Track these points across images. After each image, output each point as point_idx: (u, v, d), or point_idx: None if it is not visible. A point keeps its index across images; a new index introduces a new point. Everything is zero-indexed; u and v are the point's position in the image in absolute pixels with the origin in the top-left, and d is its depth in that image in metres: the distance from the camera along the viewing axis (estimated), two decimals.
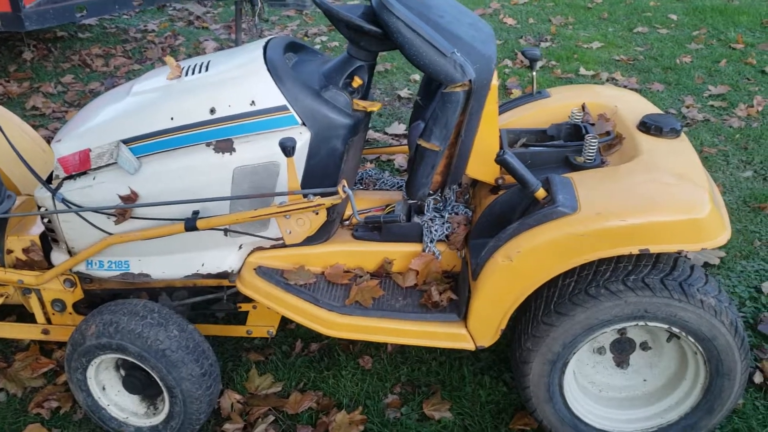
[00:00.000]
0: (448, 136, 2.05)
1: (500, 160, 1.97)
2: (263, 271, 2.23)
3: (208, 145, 2.10)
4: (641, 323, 1.94)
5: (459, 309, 2.11)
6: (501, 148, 2.17)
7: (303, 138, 2.09)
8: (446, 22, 2.02)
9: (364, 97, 2.24)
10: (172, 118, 2.09)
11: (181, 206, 2.12)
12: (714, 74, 5.01)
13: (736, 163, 3.85)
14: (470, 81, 1.97)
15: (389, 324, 2.13)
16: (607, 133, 2.33)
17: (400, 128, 4.30)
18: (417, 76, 5.03)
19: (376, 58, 2.21)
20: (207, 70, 2.17)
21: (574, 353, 2.01)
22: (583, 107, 2.47)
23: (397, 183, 2.58)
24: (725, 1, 6.48)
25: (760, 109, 4.44)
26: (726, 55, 5.31)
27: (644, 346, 2.13)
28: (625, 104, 2.46)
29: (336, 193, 1.95)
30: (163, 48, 5.49)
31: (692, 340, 1.94)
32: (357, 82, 2.16)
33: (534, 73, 2.58)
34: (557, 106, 2.54)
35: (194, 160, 2.10)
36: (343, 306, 2.16)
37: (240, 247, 2.25)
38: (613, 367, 2.19)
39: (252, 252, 2.28)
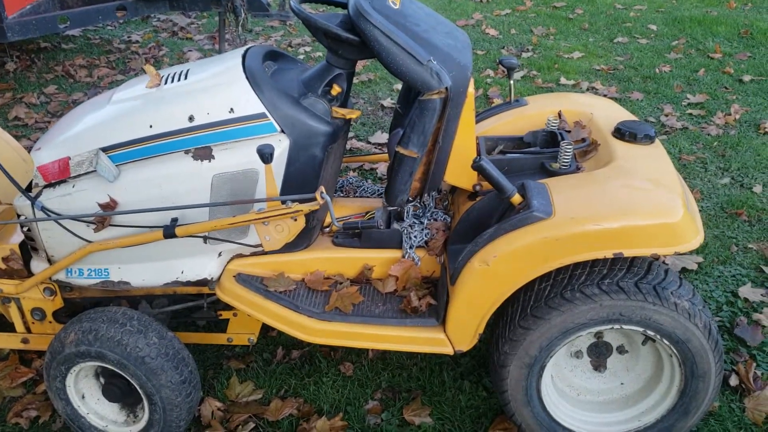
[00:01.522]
0: (426, 143, 2.07)
1: (476, 167, 1.99)
2: (243, 279, 2.23)
3: (186, 152, 2.11)
4: (617, 326, 1.97)
5: (438, 314, 2.13)
6: (478, 155, 2.20)
7: (282, 145, 2.10)
8: (422, 31, 2.05)
9: (344, 105, 2.26)
10: (150, 126, 2.10)
11: (160, 214, 2.13)
12: (692, 83, 5.09)
13: (713, 170, 3.90)
14: (446, 88, 2.00)
15: (369, 330, 2.14)
16: (583, 140, 2.36)
17: (383, 137, 4.33)
18: (400, 86, 5.06)
19: (355, 66, 2.24)
20: (186, 78, 2.19)
21: (551, 356, 2.03)
22: (560, 115, 2.51)
23: (378, 191, 2.60)
24: (704, 12, 6.58)
25: (737, 117, 4.50)
26: (704, 65, 5.39)
27: (621, 350, 2.16)
28: (601, 111, 2.50)
29: (314, 199, 1.97)
30: (146, 59, 5.49)
31: (667, 342, 1.97)
32: (336, 89, 2.19)
33: (511, 82, 2.62)
34: (534, 113, 2.58)
35: (173, 167, 2.11)
36: (323, 312, 2.17)
37: (219, 255, 2.26)
38: (591, 371, 2.21)
39: (231, 259, 2.29)
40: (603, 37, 6.12)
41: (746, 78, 5.09)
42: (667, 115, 4.56)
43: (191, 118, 2.09)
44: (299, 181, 2.16)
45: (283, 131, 2.11)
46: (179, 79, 2.19)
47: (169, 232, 2.07)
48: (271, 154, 1.92)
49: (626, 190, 1.99)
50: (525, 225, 1.93)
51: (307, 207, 1.97)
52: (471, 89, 2.10)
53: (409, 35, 2.00)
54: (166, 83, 2.20)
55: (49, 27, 4.64)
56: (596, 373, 2.21)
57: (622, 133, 2.26)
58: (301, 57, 5.66)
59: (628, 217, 1.90)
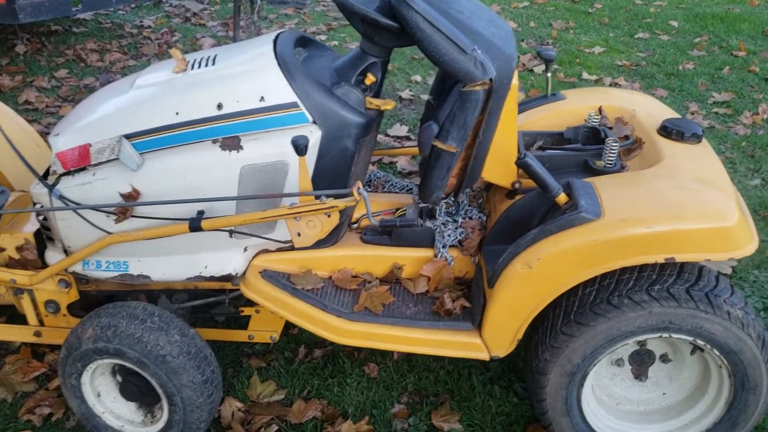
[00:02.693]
0: (466, 137, 1.97)
1: (522, 163, 1.89)
2: (269, 275, 2.13)
3: (214, 142, 2.01)
4: (665, 335, 1.87)
5: (473, 317, 2.03)
6: (519, 150, 2.10)
7: (313, 137, 2.00)
8: (466, 18, 1.94)
9: (377, 95, 2.15)
10: (177, 113, 2.00)
11: (185, 205, 2.02)
12: (717, 81, 4.97)
13: (743, 171, 3.79)
14: (491, 79, 1.89)
15: (400, 332, 2.04)
16: (626, 137, 2.26)
17: (402, 130, 4.22)
18: (418, 77, 4.95)
19: (390, 54, 2.13)
20: (214, 63, 2.08)
21: (594, 365, 1.93)
22: (600, 110, 2.40)
23: (407, 186, 2.49)
24: (726, 9, 6.45)
25: (765, 116, 4.39)
26: (728, 63, 5.27)
27: (664, 359, 2.06)
28: (643, 108, 2.40)
29: (350, 194, 1.87)
30: (159, 44, 5.38)
31: (717, 353, 1.87)
32: (370, 79, 2.08)
33: (549, 75, 2.51)
34: (573, 108, 2.47)
35: (200, 157, 2.01)
36: (352, 312, 2.07)
37: (245, 250, 2.15)
38: (632, 380, 2.11)
39: (257, 254, 2.19)
40: (623, 33, 5.99)
41: None
42: (692, 114, 4.45)
43: (220, 106, 1.99)
44: (330, 174, 2.05)
45: (315, 122, 2.00)
46: (207, 65, 2.09)
47: (196, 225, 1.97)
48: (306, 146, 1.82)
49: (678, 191, 1.89)
50: (572, 226, 1.83)
51: (343, 203, 1.87)
52: (515, 81, 1.99)
53: (452, 22, 1.89)
54: (192, 68, 2.09)
55: (62, 9, 4.53)
56: (637, 381, 2.11)
57: (668, 131, 2.16)
58: None
59: (681, 220, 1.80)
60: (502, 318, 1.95)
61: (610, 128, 2.33)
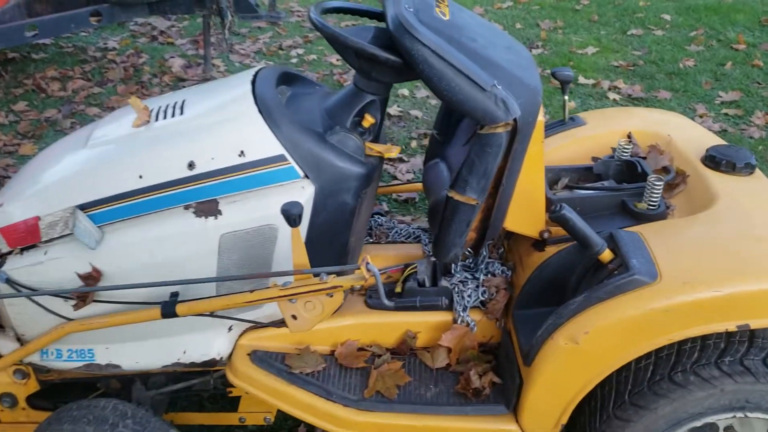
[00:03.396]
0: (487, 187, 1.66)
1: (557, 217, 1.58)
2: (260, 357, 1.81)
3: (186, 208, 1.68)
4: (740, 415, 1.57)
5: (507, 398, 1.72)
6: (551, 202, 1.79)
7: (306, 193, 1.68)
8: (480, 47, 1.62)
9: (377, 138, 1.84)
10: (140, 176, 1.67)
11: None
12: (721, 78, 4.71)
13: None
14: (515, 119, 1.58)
15: (420, 421, 1.72)
16: (665, 170, 1.96)
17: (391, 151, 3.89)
18: (405, 91, 4.63)
19: (390, 90, 1.81)
20: (182, 113, 1.75)
21: None
22: (630, 137, 2.10)
23: (414, 233, 2.17)
24: None
25: None
26: (730, 57, 5.02)
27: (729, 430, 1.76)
28: (679, 132, 2.10)
29: (358, 269, 1.54)
30: (125, 68, 5.01)
31: None
32: (368, 120, 1.76)
33: (566, 97, 2.20)
34: (596, 135, 2.17)
35: (170, 227, 1.68)
36: (362, 399, 1.75)
37: (230, 329, 1.83)
38: None
39: (244, 332, 1.86)
40: (615, 30, 5.72)
41: None
42: (701, 116, 4.17)
43: (191, 165, 1.66)
44: (327, 234, 1.74)
45: (306, 176, 1.69)
46: (173, 114, 1.76)
47: (169, 310, 1.64)
48: (300, 216, 1.49)
49: (746, 241, 1.59)
50: (624, 292, 1.52)
51: (348, 282, 1.55)
52: (541, 117, 1.68)
53: (465, 53, 1.57)
54: (156, 120, 1.76)
55: (16, 37, 4.15)
56: None
57: (716, 161, 1.86)
58: (294, 61, 5.21)
59: (755, 279, 1.50)
60: (543, 401, 1.64)
61: (644, 158, 2.02)
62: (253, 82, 1.77)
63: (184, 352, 1.82)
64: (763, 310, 1.50)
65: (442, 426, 1.71)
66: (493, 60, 1.61)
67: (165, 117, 1.75)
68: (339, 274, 1.57)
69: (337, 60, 5.16)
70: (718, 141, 2.05)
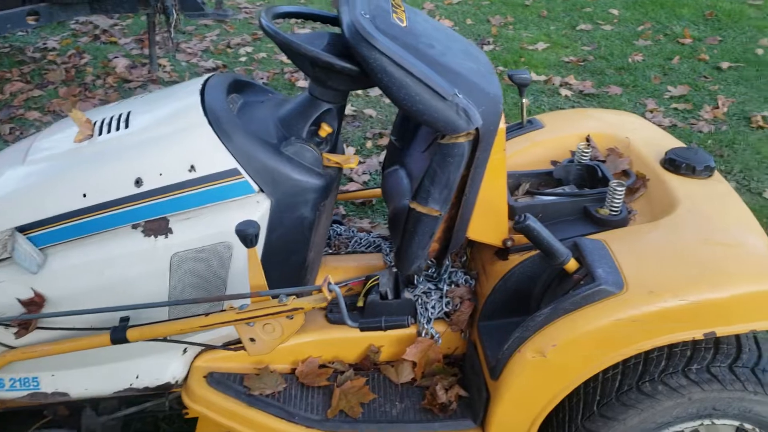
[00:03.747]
0: (450, 197, 1.61)
1: (522, 228, 1.54)
2: (217, 380, 1.73)
3: (135, 227, 1.59)
4: (707, 422, 1.56)
5: (474, 412, 1.68)
6: (513, 209, 1.75)
7: (261, 208, 1.61)
8: (438, 54, 1.57)
9: (334, 148, 1.77)
10: (84, 195, 1.57)
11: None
12: (669, 73, 4.77)
13: None
14: (476, 129, 1.53)
15: None
16: (625, 173, 1.94)
17: (348, 151, 3.83)
18: (359, 90, 4.56)
19: (347, 97, 1.75)
20: (127, 126, 1.66)
21: None
22: (588, 140, 2.08)
23: (374, 243, 2.11)
24: None
25: (725, 110, 4.20)
26: (677, 52, 5.09)
27: None
28: (636, 134, 2.09)
29: (318, 291, 1.48)
30: (66, 69, 4.81)
31: None
32: (325, 130, 1.70)
33: (524, 100, 2.16)
34: (555, 138, 2.15)
35: (118, 248, 1.59)
36: (325, 420, 1.69)
37: (184, 351, 1.74)
38: None
39: (199, 353, 1.78)
40: (564, 25, 5.74)
41: (724, 65, 4.81)
42: (651, 111, 4.21)
43: (138, 182, 1.57)
44: (284, 251, 1.67)
45: (261, 190, 1.61)
46: (118, 127, 1.66)
47: (119, 336, 1.55)
48: (256, 236, 1.42)
49: (708, 247, 1.58)
50: (591, 303, 1.50)
51: (309, 304, 1.48)
52: (502, 124, 1.64)
53: (424, 61, 1.52)
54: (100, 134, 1.66)
55: None
56: None
57: (676, 165, 1.85)
58: (243, 59, 5.08)
59: (721, 286, 1.49)
60: (511, 415, 1.60)
61: (603, 161, 2.01)
62: (202, 92, 1.69)
63: (137, 377, 1.73)
64: (728, 317, 1.49)
65: None
66: (452, 67, 1.56)
67: (109, 131, 1.65)
68: (299, 295, 1.50)
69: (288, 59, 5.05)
70: (675, 142, 2.05)
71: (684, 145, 1.97)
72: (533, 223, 1.54)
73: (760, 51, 5.04)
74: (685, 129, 4.01)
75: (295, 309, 1.47)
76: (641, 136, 2.07)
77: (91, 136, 1.65)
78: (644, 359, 1.57)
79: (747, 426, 1.57)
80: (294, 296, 1.48)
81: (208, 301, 1.51)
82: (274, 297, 1.48)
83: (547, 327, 1.53)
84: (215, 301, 1.52)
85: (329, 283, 1.46)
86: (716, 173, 1.87)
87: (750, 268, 1.53)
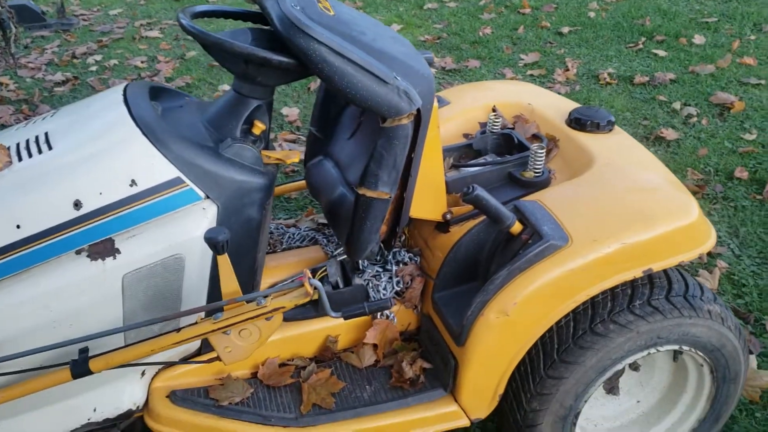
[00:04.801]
0: (398, 179, 1.65)
1: (472, 198, 1.61)
2: (181, 397, 1.67)
3: (78, 252, 1.49)
4: (653, 351, 1.72)
5: (443, 381, 1.74)
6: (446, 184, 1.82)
7: (208, 214, 1.57)
8: (371, 40, 1.60)
9: (267, 146, 1.75)
10: (18, 227, 1.45)
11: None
12: (518, 42, 5.06)
13: None
14: (417, 109, 1.58)
15: (366, 423, 1.69)
16: (536, 137, 2.07)
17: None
18: (227, 86, 4.45)
19: (274, 92, 1.73)
20: (50, 147, 1.54)
21: (587, 400, 1.74)
22: (495, 110, 2.19)
23: (309, 236, 2.11)
24: None
25: (575, 71, 4.53)
26: (521, 21, 5.41)
27: (633, 366, 1.92)
28: (536, 99, 2.23)
29: (300, 286, 1.47)
30: None
31: (701, 353, 1.76)
32: (259, 127, 1.67)
33: None
34: (462, 111, 2.24)
35: (64, 277, 1.48)
36: (301, 416, 1.69)
37: (142, 374, 1.67)
38: (605, 396, 1.96)
39: (157, 374, 1.71)
40: (412, 5, 5.92)
41: (564, 30, 5.17)
42: (511, 80, 4.46)
43: (77, 205, 1.47)
44: (234, 254, 1.63)
45: (207, 196, 1.57)
46: (40, 150, 1.54)
47: (81, 369, 1.45)
48: (227, 242, 1.38)
49: (634, 194, 1.73)
50: (542, 258, 1.60)
51: (291, 302, 1.46)
52: (435, 102, 1.70)
53: (360, 48, 1.54)
54: (20, 159, 1.53)
55: None
56: (610, 396, 1.97)
57: (582, 123, 2.00)
58: (93, 69, 4.79)
59: (651, 226, 1.64)
60: (481, 376, 1.68)
61: (512, 128, 2.13)
62: (126, 101, 1.60)
63: (95, 410, 1.63)
64: (660, 254, 1.65)
65: (388, 423, 1.70)
66: (387, 52, 1.59)
67: (30, 155, 1.53)
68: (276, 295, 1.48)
69: (142, 63, 4.84)
70: (572, 104, 2.21)
71: (583, 105, 2.12)
72: (481, 192, 1.61)
73: (592, 14, 5.46)
74: None
75: (276, 309, 1.45)
76: (540, 102, 2.21)
77: (10, 162, 1.52)
78: (591, 303, 1.70)
79: (684, 347, 1.74)
80: (271, 297, 1.46)
81: (182, 315, 1.45)
82: (249, 302, 1.45)
83: (505, 287, 1.62)
84: (189, 315, 1.46)
85: (309, 278, 1.46)
86: (616, 127, 2.04)
87: (670, 207, 1.69)
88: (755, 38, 4.85)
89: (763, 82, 4.20)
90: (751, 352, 2.30)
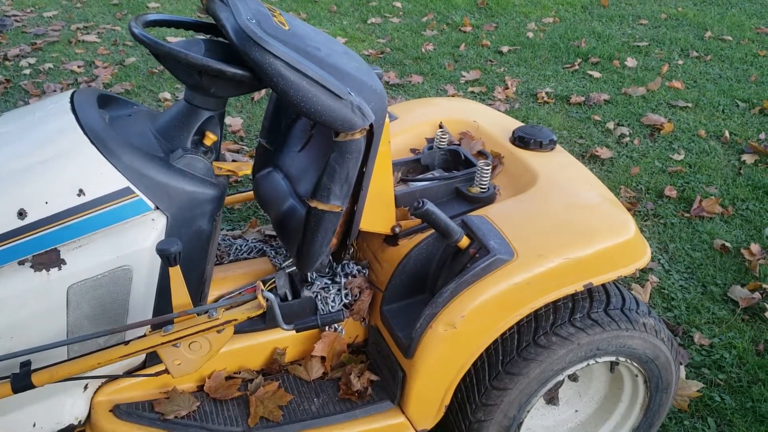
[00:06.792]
0: (349, 192, 1.67)
1: (422, 213, 1.65)
2: (125, 411, 1.64)
3: (22, 263, 1.46)
4: (591, 362, 1.79)
5: (390, 393, 1.77)
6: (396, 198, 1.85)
7: (158, 226, 1.56)
8: (326, 56, 1.62)
9: (218, 157, 1.74)
10: None
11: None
12: (459, 59, 5.16)
13: None
14: (370, 124, 1.60)
15: None
16: (481, 154, 2.13)
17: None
18: (167, 94, 4.39)
19: (226, 103, 1.73)
20: None
21: (529, 410, 1.79)
22: (441, 126, 2.24)
23: (256, 248, 2.10)
24: None
25: (514, 89, 4.65)
26: (462, 39, 5.52)
27: (572, 377, 1.99)
28: (482, 117, 2.29)
29: (253, 299, 1.47)
30: None
31: (636, 364, 1.84)
32: (210, 138, 1.67)
33: None
34: (409, 127, 2.29)
35: (6, 288, 1.44)
36: (248, 429, 1.68)
37: (85, 388, 1.63)
38: (545, 406, 2.02)
39: (99, 387, 1.67)
40: (356, 19, 5.97)
41: (504, 49, 5.30)
42: (453, 96, 4.55)
43: (22, 214, 1.44)
44: (183, 266, 1.62)
45: (157, 207, 1.55)
46: None
47: (23, 383, 1.41)
48: (179, 253, 1.37)
49: (575, 211, 1.80)
50: (489, 272, 1.65)
51: (244, 314, 1.46)
52: (387, 118, 1.73)
53: (315, 63, 1.56)
54: None
55: None
56: (550, 407, 2.03)
57: (525, 141, 2.07)
58: (27, 72, 4.65)
59: (592, 242, 1.72)
60: (428, 388, 1.71)
61: (458, 144, 2.18)
62: (73, 108, 1.57)
63: (34, 425, 1.59)
64: (600, 268, 1.72)
65: None
66: (340, 67, 1.61)
67: None
68: (229, 307, 1.48)
69: (79, 67, 4.72)
70: (515, 122, 2.28)
71: (527, 124, 2.19)
72: (431, 207, 1.65)
73: (530, 34, 5.63)
74: None
75: (228, 321, 1.44)
76: (486, 119, 2.28)
77: None
78: (535, 316, 1.75)
79: (621, 359, 1.82)
80: (223, 309, 1.46)
81: (129, 329, 1.43)
82: (200, 314, 1.44)
83: (453, 300, 1.65)
84: (138, 327, 1.44)
85: (262, 290, 1.46)
86: (558, 146, 2.11)
87: (609, 224, 1.77)
88: (683, 63, 5.10)
89: (690, 105, 4.42)
90: (680, 363, 2.41)
